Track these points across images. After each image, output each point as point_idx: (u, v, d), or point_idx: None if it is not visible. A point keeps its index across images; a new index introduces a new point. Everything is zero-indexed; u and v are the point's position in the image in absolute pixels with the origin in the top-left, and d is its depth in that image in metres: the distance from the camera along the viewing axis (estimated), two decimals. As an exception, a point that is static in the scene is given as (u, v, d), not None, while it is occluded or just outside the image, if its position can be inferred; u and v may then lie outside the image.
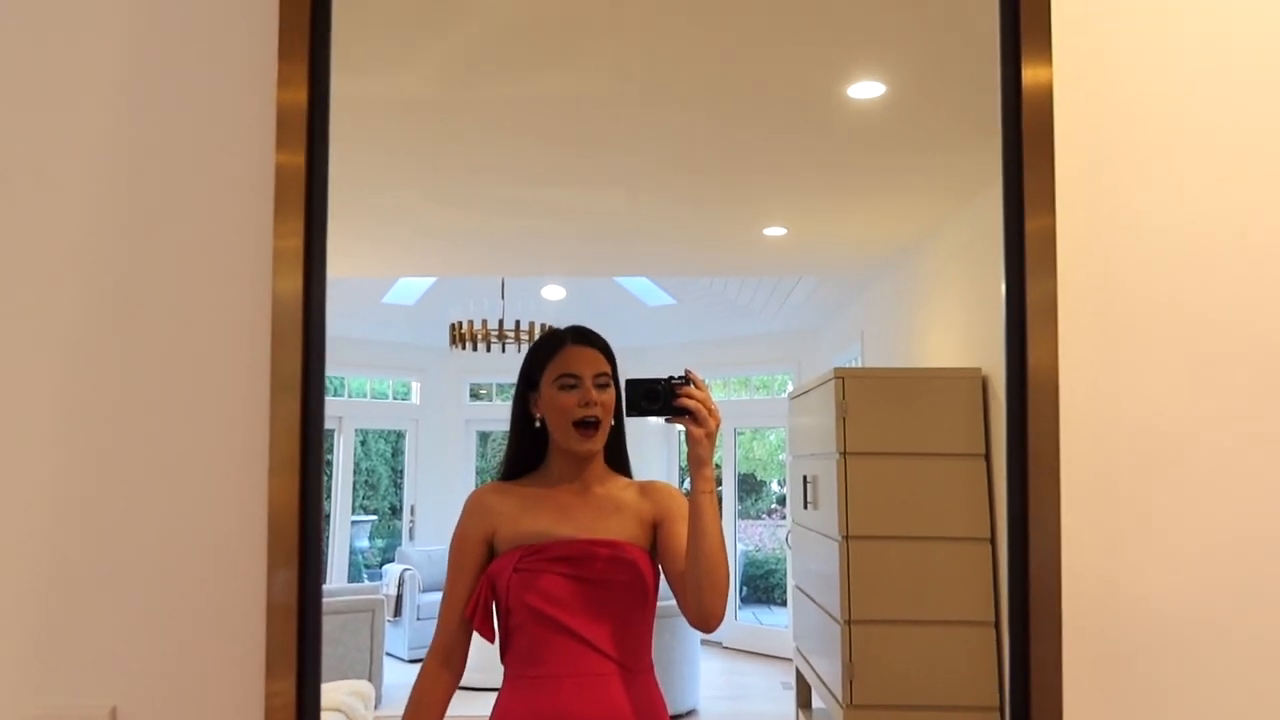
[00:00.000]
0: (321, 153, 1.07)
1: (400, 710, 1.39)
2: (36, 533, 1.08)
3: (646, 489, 1.45)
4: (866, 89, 1.68)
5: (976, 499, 1.67)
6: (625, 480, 1.47)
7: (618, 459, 1.48)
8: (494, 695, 1.40)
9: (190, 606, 1.07)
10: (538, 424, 1.44)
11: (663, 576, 1.42)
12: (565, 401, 1.39)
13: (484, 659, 1.45)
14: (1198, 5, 1.10)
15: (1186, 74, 1.10)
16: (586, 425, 1.39)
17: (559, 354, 1.42)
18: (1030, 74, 1.05)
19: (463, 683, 1.43)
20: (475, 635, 1.40)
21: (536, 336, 3.54)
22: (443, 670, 1.39)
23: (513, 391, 1.49)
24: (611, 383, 1.42)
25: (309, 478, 1.03)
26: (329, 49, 1.08)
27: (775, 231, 2.21)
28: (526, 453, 1.46)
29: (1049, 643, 1.00)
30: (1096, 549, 1.05)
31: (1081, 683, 1.04)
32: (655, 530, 1.41)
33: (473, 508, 1.43)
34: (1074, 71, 1.09)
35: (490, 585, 1.38)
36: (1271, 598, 1.05)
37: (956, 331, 1.98)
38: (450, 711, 1.41)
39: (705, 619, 1.32)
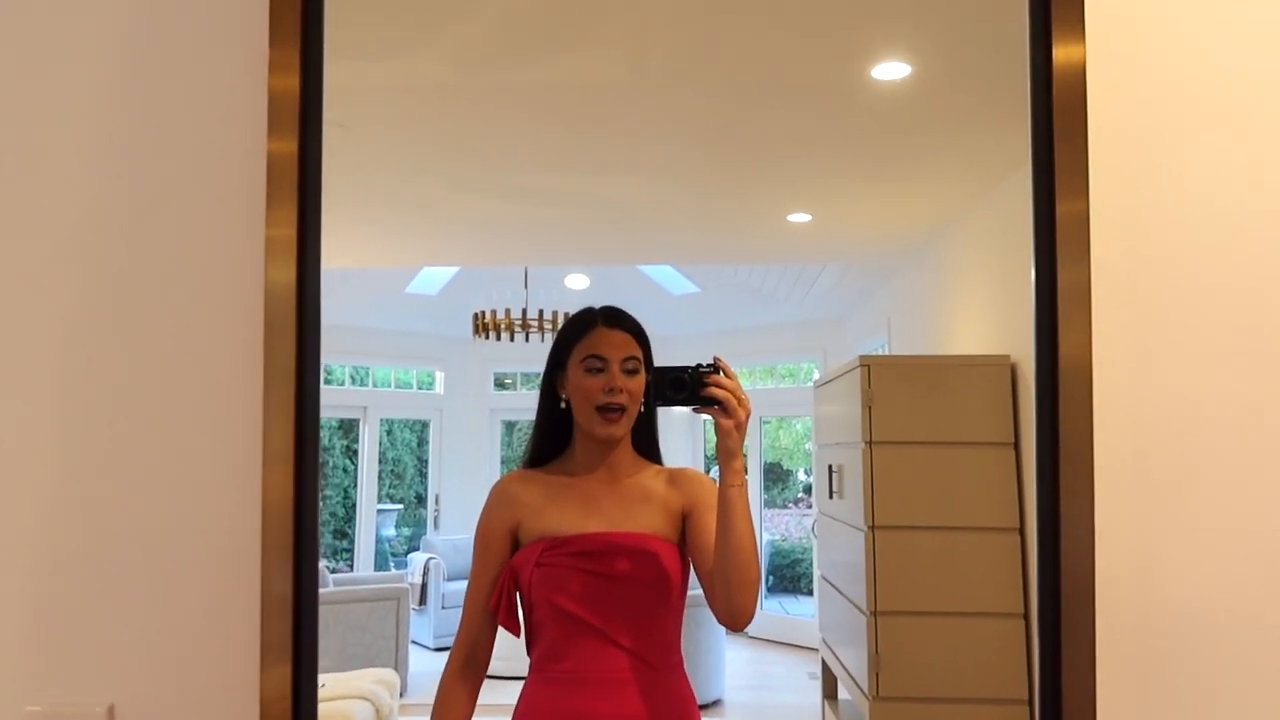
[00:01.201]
0: (315, 140, 1.05)
1: (425, 699, 1.38)
2: (31, 529, 1.08)
3: (676, 477, 1.41)
4: (891, 70, 1.65)
5: (1005, 488, 1.64)
6: (655, 468, 1.43)
7: (648, 446, 1.44)
8: (517, 684, 1.39)
9: (187, 600, 1.06)
10: (564, 405, 1.41)
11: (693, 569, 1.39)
12: (590, 385, 1.35)
13: (508, 648, 1.44)
14: (1238, -21, 1.07)
15: (1224, 51, 1.06)
16: (610, 411, 1.36)
17: (588, 335, 1.38)
18: (1062, 53, 1.01)
19: (490, 671, 1.42)
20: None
21: (560, 325, 3.54)
22: (458, 682, 1.36)
23: (538, 380, 1.46)
24: (641, 368, 1.37)
25: (304, 468, 1.02)
26: (322, 34, 1.06)
27: (800, 218, 2.18)
28: (553, 435, 1.43)
29: (1081, 641, 0.97)
30: (1131, 543, 1.02)
31: (1115, 680, 1.01)
32: (684, 521, 1.38)
33: (496, 498, 1.41)
34: (1107, 50, 1.05)
35: (513, 578, 1.36)
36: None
37: (985, 318, 1.94)
38: (480, 700, 1.40)
39: (735, 617, 1.27)
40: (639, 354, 1.37)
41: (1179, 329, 1.04)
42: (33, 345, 1.08)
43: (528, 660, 1.39)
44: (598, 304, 1.43)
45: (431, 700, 1.39)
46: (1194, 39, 1.06)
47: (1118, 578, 1.02)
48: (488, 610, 1.36)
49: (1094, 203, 1.01)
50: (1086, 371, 0.98)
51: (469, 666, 1.37)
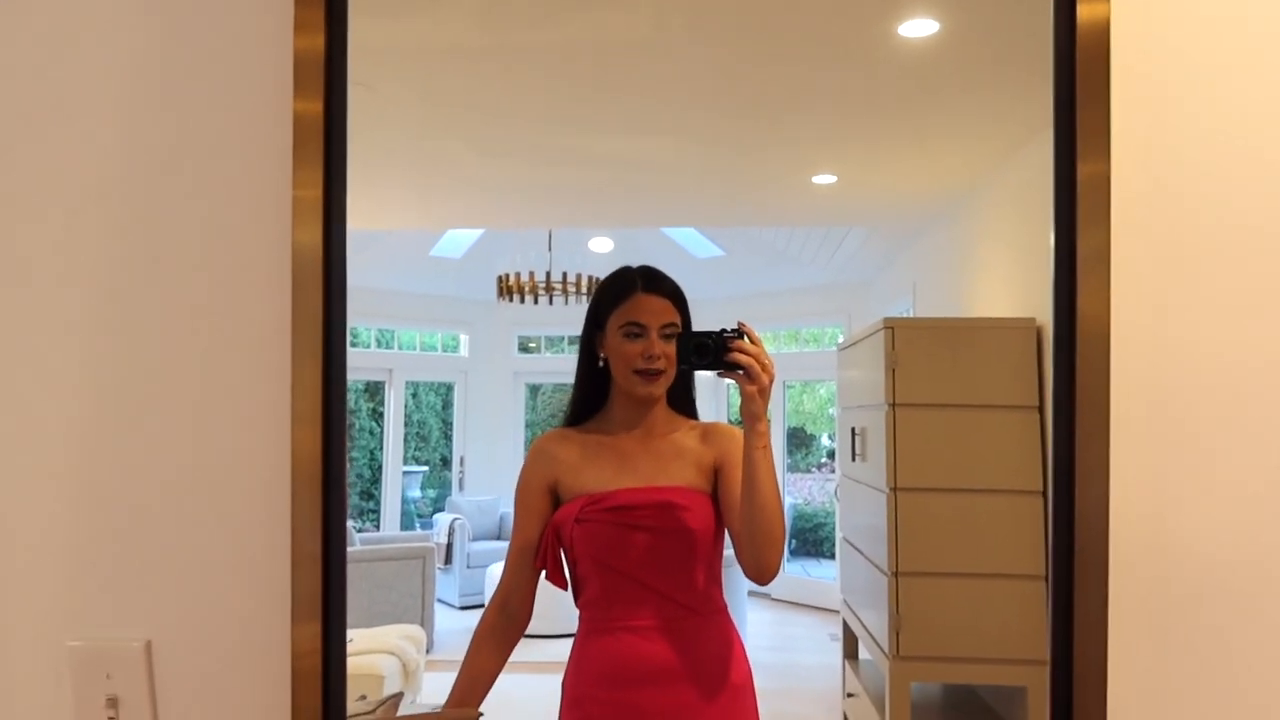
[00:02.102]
0: (340, 100, 1.05)
1: (450, 655, 1.42)
2: (71, 474, 1.11)
3: (709, 432, 1.45)
4: (919, 26, 1.62)
5: (1029, 451, 1.64)
6: (689, 424, 1.47)
7: (684, 403, 1.47)
8: (559, 642, 1.43)
9: (222, 550, 1.09)
10: (601, 364, 1.44)
11: None
12: (629, 350, 1.39)
13: (546, 606, 1.47)
14: (1271, -67, 1.04)
15: (1255, 9, 1.04)
16: (649, 374, 1.39)
17: (627, 300, 1.41)
18: (1085, 9, 1.00)
19: (529, 630, 1.45)
20: (542, 581, 1.43)
21: (585, 289, 3.54)
22: (498, 616, 1.42)
23: (563, 344, 1.49)
24: (679, 331, 1.39)
25: (332, 427, 1.03)
26: (346, -7, 1.06)
27: (825, 179, 2.15)
28: (592, 392, 1.47)
29: (1094, 599, 0.98)
30: (1146, 503, 1.02)
31: (1128, 638, 1.02)
32: (716, 475, 1.41)
33: (535, 455, 1.46)
34: (1132, 6, 1.03)
35: (555, 534, 1.40)
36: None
37: (1011, 281, 1.92)
38: (516, 657, 1.43)
39: (760, 571, 1.32)
40: (677, 319, 1.39)
41: (1201, 293, 1.03)
42: (65, 302, 1.10)
43: (566, 619, 1.43)
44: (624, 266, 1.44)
45: (457, 658, 1.43)
46: (1224, -4, 1.04)
47: (1132, 535, 1.02)
48: (526, 561, 1.41)
49: (1115, 164, 0.99)
50: (1104, 334, 0.98)
51: (502, 613, 1.42)
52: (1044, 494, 1.64)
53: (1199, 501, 1.02)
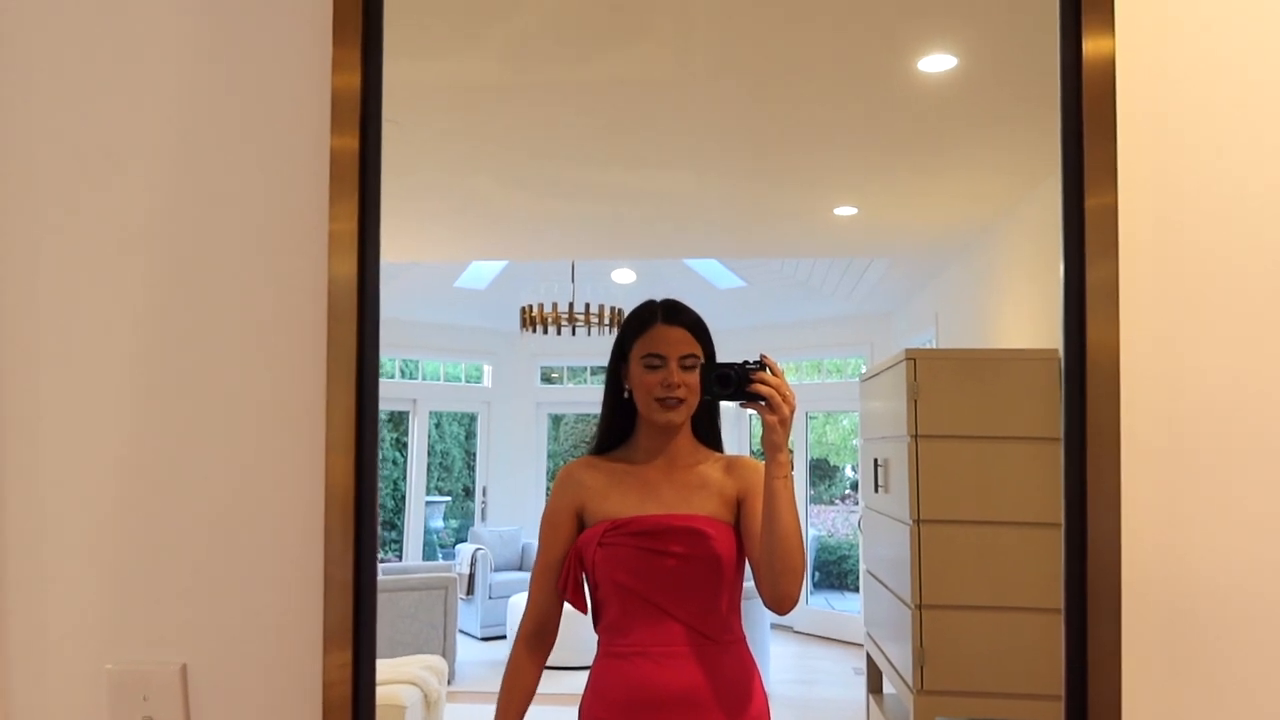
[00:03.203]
0: (375, 136, 1.09)
1: (472, 686, 1.44)
2: (112, 500, 1.13)
3: (733, 464, 1.47)
4: (938, 62, 1.64)
5: (1051, 484, 1.62)
6: (714, 455, 1.49)
7: (709, 434, 1.50)
8: (580, 674, 1.44)
9: (256, 576, 1.11)
10: (626, 395, 1.46)
11: None
12: (650, 380, 1.42)
13: (565, 638, 1.48)
14: (1272, -29, 1.05)
15: (1255, 45, 1.05)
16: (669, 402, 1.41)
17: (648, 331, 1.44)
18: (1091, 45, 1.01)
19: (550, 662, 1.46)
20: (567, 608, 1.44)
21: (608, 320, 3.56)
22: (528, 655, 1.43)
23: (585, 375, 1.53)
24: (700, 362, 1.42)
25: (364, 457, 1.05)
26: (381, 34, 1.10)
27: (846, 211, 2.17)
28: (618, 422, 1.50)
29: (1107, 634, 0.97)
30: (1159, 537, 1.02)
31: (1142, 674, 1.01)
32: (739, 506, 1.42)
33: (562, 482, 1.48)
34: (1137, 43, 1.05)
35: (578, 557, 1.42)
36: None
37: (1033, 313, 1.92)
38: (540, 689, 1.44)
39: (779, 601, 1.33)
40: (698, 350, 1.42)
41: (1210, 324, 1.03)
42: (112, 332, 1.14)
43: (587, 648, 1.44)
44: (646, 298, 1.46)
45: (478, 689, 1.45)
46: (1226, 32, 1.05)
47: (1145, 569, 1.01)
48: (553, 587, 1.42)
49: (1123, 197, 1.00)
50: (1114, 365, 0.99)
51: (536, 637, 1.43)
52: (1069, 526, 1.63)
53: (1212, 532, 1.02)
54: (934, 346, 2.51)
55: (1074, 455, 1.01)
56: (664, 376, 1.41)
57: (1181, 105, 1.05)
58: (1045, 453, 1.74)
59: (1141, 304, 1.03)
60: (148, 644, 1.12)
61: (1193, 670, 1.01)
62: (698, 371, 1.41)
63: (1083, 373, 1.00)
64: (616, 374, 1.49)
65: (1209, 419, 1.03)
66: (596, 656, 1.44)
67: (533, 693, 1.43)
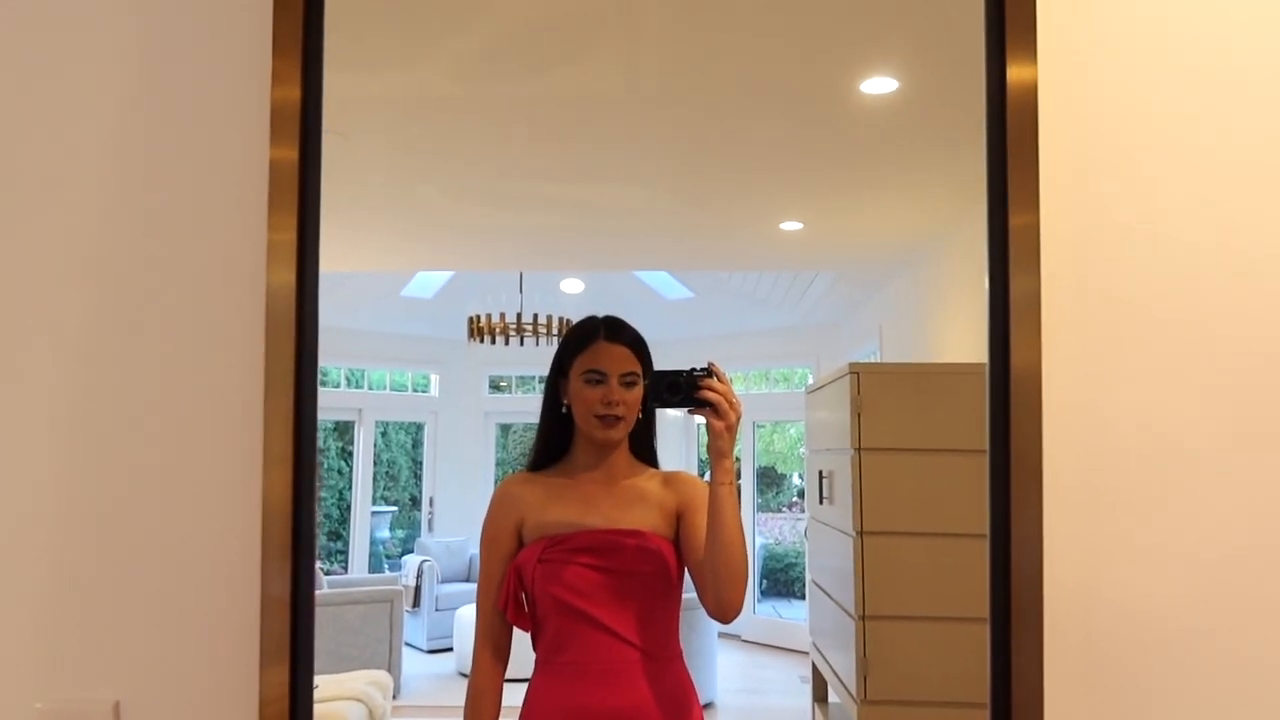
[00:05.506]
0: (315, 147, 1.08)
1: (418, 700, 1.42)
2: (37, 530, 1.10)
3: (670, 479, 1.47)
4: (879, 84, 1.68)
5: (990, 496, 1.66)
6: (651, 471, 1.49)
7: (645, 450, 1.50)
8: (524, 686, 1.43)
9: (189, 600, 1.09)
10: (565, 410, 1.46)
11: None
12: (589, 396, 1.41)
13: (517, 650, 1.48)
14: (1185, 3, 1.09)
15: (1173, 72, 1.10)
16: (608, 419, 1.41)
17: (589, 347, 1.44)
18: (1015, 72, 1.05)
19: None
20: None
21: (555, 330, 3.56)
22: (495, 660, 1.42)
23: (534, 383, 1.51)
24: (640, 380, 1.42)
25: (303, 471, 1.04)
26: (322, 47, 1.09)
27: (792, 226, 2.20)
28: (555, 438, 1.49)
29: (1030, 647, 1.00)
30: (1079, 551, 1.05)
31: (1063, 687, 1.04)
32: (678, 520, 1.42)
33: (500, 499, 1.47)
34: (1059, 69, 1.09)
35: (517, 575, 1.41)
36: (1255, 599, 1.05)
37: (974, 327, 1.96)
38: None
39: (723, 610, 1.33)
40: (638, 368, 1.42)
41: (1128, 341, 1.08)
42: (39, 347, 1.11)
43: (530, 661, 1.43)
44: (593, 310, 1.47)
45: (425, 703, 1.43)
46: (1145, 60, 1.10)
47: (1065, 584, 1.04)
48: (498, 608, 1.41)
49: (1045, 216, 1.04)
50: (1036, 382, 1.01)
51: (494, 651, 1.42)
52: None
53: (1128, 549, 1.05)
54: (878, 358, 2.55)
55: (999, 469, 1.04)
56: (605, 393, 1.41)
57: (1103, 131, 1.09)
58: (984, 466, 1.78)
59: (1062, 321, 1.06)
60: (78, 681, 1.08)
61: (1111, 682, 1.05)
62: (637, 389, 1.42)
63: (1006, 393, 1.03)
64: (555, 389, 1.48)
65: (1123, 430, 1.06)
66: (534, 674, 1.43)
67: (499, 704, 1.42)
